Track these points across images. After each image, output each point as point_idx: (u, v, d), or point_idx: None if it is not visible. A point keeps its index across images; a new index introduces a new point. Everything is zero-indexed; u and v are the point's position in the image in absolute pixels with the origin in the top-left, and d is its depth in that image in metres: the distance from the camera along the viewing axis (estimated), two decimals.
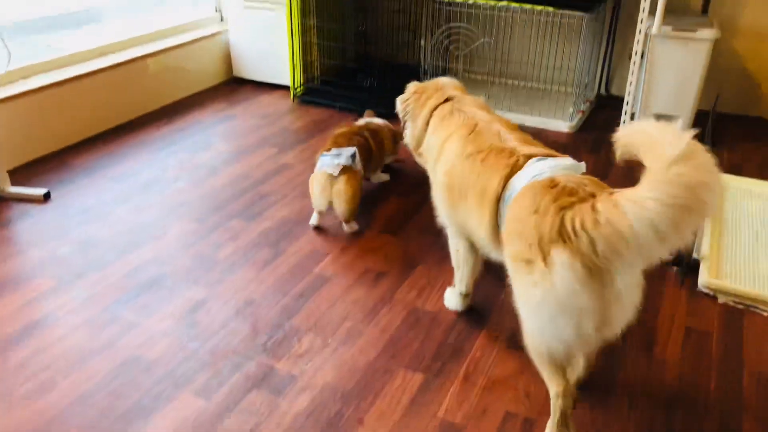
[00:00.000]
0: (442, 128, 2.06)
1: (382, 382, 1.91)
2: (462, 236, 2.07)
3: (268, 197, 2.94)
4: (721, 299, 2.28)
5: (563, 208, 1.51)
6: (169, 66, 3.98)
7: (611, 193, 1.47)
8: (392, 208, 2.86)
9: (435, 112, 2.12)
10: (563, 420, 1.65)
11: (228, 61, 4.43)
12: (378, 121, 3.10)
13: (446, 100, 2.14)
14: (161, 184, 3.04)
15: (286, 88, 4.26)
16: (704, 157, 1.32)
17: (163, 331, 2.11)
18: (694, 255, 2.44)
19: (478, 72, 4.39)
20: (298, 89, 4.12)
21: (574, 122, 3.71)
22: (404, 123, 2.29)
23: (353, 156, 2.65)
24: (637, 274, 1.54)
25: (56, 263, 2.44)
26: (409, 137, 2.27)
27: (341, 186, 2.56)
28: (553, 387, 1.64)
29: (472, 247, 2.08)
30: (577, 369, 1.83)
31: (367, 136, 2.87)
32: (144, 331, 2.10)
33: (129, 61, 3.71)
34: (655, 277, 2.40)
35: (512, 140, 1.87)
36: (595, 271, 1.44)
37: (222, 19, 4.47)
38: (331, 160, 2.61)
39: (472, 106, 2.09)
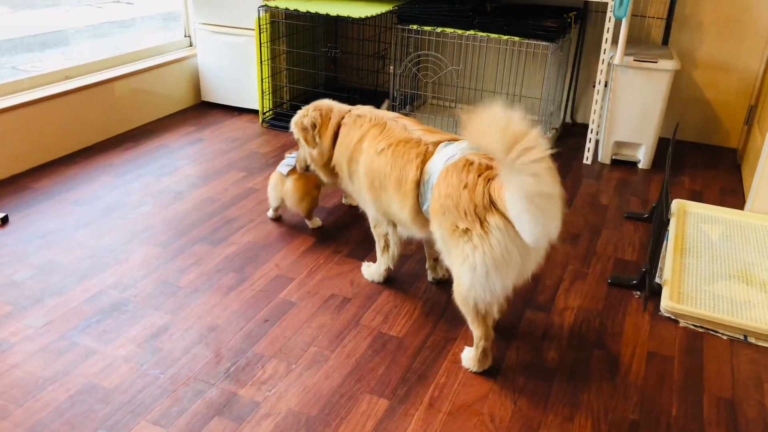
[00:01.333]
0: (352, 133, 2.30)
1: (347, 408, 1.89)
2: (388, 222, 2.35)
3: (235, 222, 2.92)
4: (682, 323, 2.31)
5: (489, 180, 1.82)
6: (137, 89, 3.96)
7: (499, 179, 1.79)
8: (359, 234, 2.86)
9: (342, 122, 2.37)
10: (484, 354, 2.03)
11: (197, 85, 4.41)
12: None
13: (345, 114, 2.39)
14: (125, 209, 2.99)
15: (254, 112, 4.26)
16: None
17: (122, 357, 2.05)
18: (657, 279, 2.48)
19: (446, 99, 4.44)
20: (267, 114, 4.12)
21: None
22: (307, 140, 2.44)
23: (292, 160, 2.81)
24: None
25: (13, 288, 2.38)
26: (315, 155, 2.45)
27: (290, 185, 2.76)
28: (477, 331, 2.00)
29: (395, 229, 2.37)
30: (493, 315, 2.11)
31: None
32: (103, 358, 2.05)
33: (94, 84, 3.67)
34: (618, 301, 2.43)
35: (418, 131, 2.15)
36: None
37: (191, 44, 4.46)
38: (287, 161, 2.81)
39: (373, 112, 2.34)
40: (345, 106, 2.45)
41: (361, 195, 2.34)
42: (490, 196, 1.80)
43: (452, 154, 1.98)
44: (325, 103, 2.49)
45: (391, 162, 2.12)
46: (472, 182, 1.85)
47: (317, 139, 2.42)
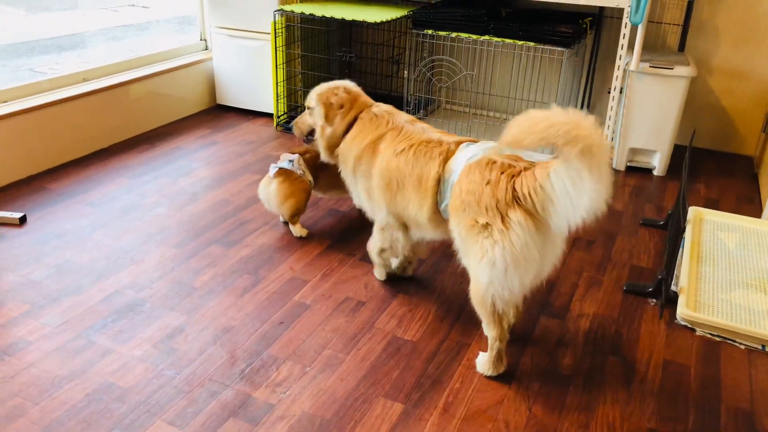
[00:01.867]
0: (366, 132, 2.30)
1: (362, 411, 1.89)
2: (399, 226, 2.31)
3: (249, 224, 2.92)
4: (699, 332, 2.29)
5: (512, 177, 1.84)
6: (152, 92, 3.98)
7: (544, 164, 1.79)
8: None
9: (360, 116, 2.36)
10: (498, 356, 2.02)
11: (212, 88, 4.44)
12: None
13: (368, 108, 2.39)
14: (140, 210, 3.01)
15: (269, 116, 4.28)
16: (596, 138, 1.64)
17: (138, 357, 2.06)
18: (673, 287, 2.46)
19: (460, 104, 4.44)
20: (282, 117, 4.13)
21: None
22: (328, 116, 2.41)
23: (292, 161, 2.81)
24: (562, 233, 1.84)
25: (30, 288, 2.40)
26: (326, 135, 2.43)
27: (274, 186, 2.76)
28: (493, 332, 1.99)
29: (406, 233, 2.34)
30: (509, 318, 2.07)
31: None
32: (119, 358, 2.06)
33: (111, 87, 3.70)
34: (634, 309, 2.41)
35: (436, 134, 2.19)
36: (539, 227, 1.80)
37: (207, 47, 4.49)
38: (279, 163, 2.84)
39: (392, 114, 2.34)
40: (368, 99, 2.44)
41: (373, 196, 2.32)
42: (513, 191, 1.82)
43: (474, 153, 2.01)
44: (354, 87, 2.46)
45: (412, 161, 2.13)
46: (495, 179, 1.87)
47: (336, 121, 2.40)
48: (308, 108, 2.53)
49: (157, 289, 2.42)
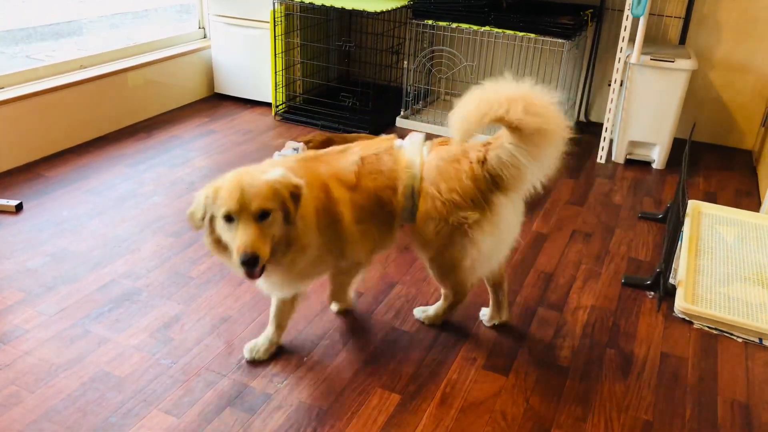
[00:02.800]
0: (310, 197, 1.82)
1: (359, 401, 1.88)
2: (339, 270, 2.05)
3: None
4: (696, 325, 2.29)
5: (483, 162, 1.89)
6: (150, 80, 3.96)
7: (490, 143, 1.92)
8: None
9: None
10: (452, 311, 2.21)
11: (210, 77, 4.41)
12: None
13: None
14: (137, 199, 2.99)
15: (267, 105, 4.25)
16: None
17: (134, 346, 2.06)
18: (671, 280, 2.46)
19: (459, 95, 4.41)
20: (280, 107, 4.11)
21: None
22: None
23: (296, 149, 2.82)
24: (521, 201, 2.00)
25: (26, 275, 2.38)
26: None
27: None
28: (462, 297, 2.14)
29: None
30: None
31: (336, 141, 2.90)
32: (115, 347, 2.05)
33: (108, 74, 3.67)
34: (632, 301, 2.41)
35: (358, 151, 1.98)
36: (515, 201, 1.95)
37: (205, 36, 4.46)
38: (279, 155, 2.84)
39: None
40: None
41: (344, 240, 1.90)
42: (490, 175, 1.88)
43: (418, 149, 1.99)
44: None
45: (370, 188, 1.90)
46: (470, 170, 1.89)
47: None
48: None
49: (154, 278, 2.41)
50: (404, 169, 1.94)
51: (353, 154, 1.95)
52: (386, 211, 1.94)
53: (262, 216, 1.64)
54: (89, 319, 2.17)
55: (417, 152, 1.98)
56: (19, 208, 2.83)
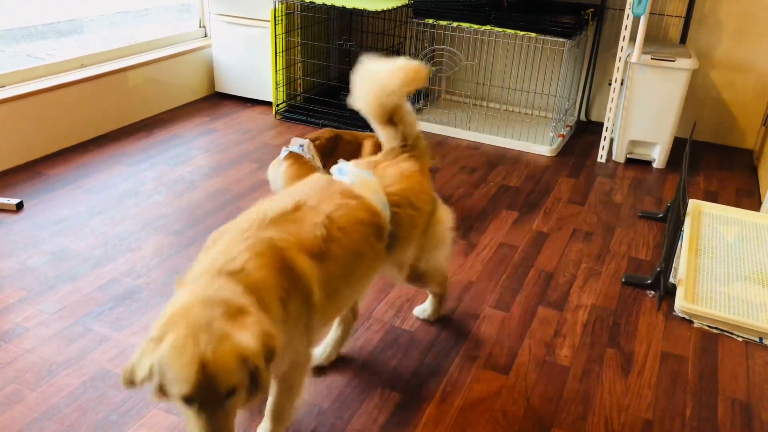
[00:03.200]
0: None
1: (359, 400, 1.89)
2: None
3: None
4: (696, 324, 2.29)
5: (413, 157, 1.92)
6: (151, 79, 3.96)
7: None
8: None
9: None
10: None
11: (211, 76, 4.41)
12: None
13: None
14: (138, 197, 3.00)
15: (268, 104, 4.26)
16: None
17: (135, 345, 2.06)
18: (671, 279, 2.46)
19: (460, 94, 4.42)
20: (281, 106, 4.11)
21: (555, 146, 3.75)
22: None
23: (302, 146, 2.79)
24: None
25: (27, 274, 2.39)
26: None
27: (283, 169, 2.72)
28: (446, 286, 2.24)
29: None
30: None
31: (345, 138, 2.89)
32: (116, 345, 2.05)
33: (109, 73, 3.67)
34: (632, 300, 2.41)
35: (316, 206, 1.60)
36: None
37: (206, 35, 4.46)
38: (290, 147, 2.80)
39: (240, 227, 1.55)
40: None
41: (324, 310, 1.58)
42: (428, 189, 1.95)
43: (358, 171, 1.77)
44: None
45: (352, 240, 1.61)
46: (413, 169, 1.89)
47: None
48: None
49: (155, 276, 2.42)
50: (375, 202, 1.68)
51: (316, 213, 1.57)
52: (367, 263, 1.67)
53: (228, 394, 1.23)
54: (90, 317, 2.18)
55: (363, 175, 1.73)
56: (19, 206, 2.83)
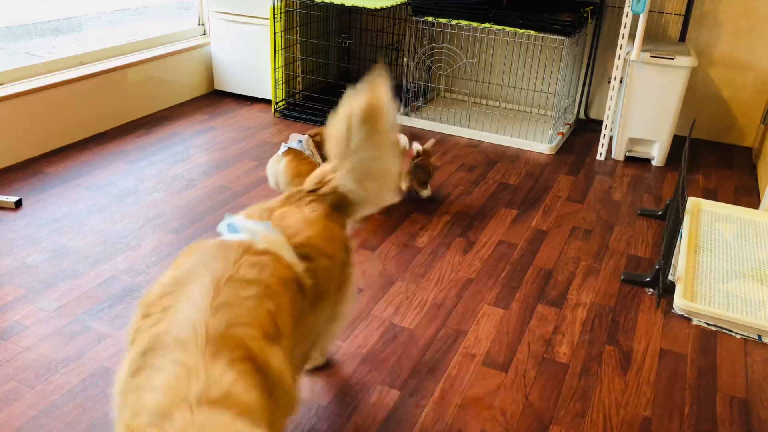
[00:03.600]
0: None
1: (358, 398, 1.89)
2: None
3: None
4: (695, 321, 2.29)
5: (329, 226, 1.66)
6: (150, 77, 3.95)
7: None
8: (371, 224, 2.85)
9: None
10: None
11: (209, 73, 4.41)
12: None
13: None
14: (137, 195, 3.00)
15: (267, 102, 4.25)
16: None
17: None
18: (670, 277, 2.46)
19: (459, 92, 4.42)
20: (280, 104, 4.11)
21: (554, 144, 3.75)
22: None
23: (301, 141, 2.82)
24: None
25: (26, 272, 2.38)
26: None
27: (283, 165, 2.77)
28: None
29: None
30: None
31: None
32: (115, 343, 2.05)
33: (108, 71, 3.67)
34: (631, 298, 2.41)
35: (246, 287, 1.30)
36: None
37: (205, 32, 4.46)
38: (289, 143, 2.84)
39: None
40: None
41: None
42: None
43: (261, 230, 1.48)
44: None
45: (324, 263, 1.52)
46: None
47: None
48: None
49: (154, 274, 2.42)
50: (286, 256, 1.44)
51: (241, 286, 1.29)
52: (302, 324, 1.45)
53: None
54: (89, 315, 2.18)
55: (259, 229, 1.47)
56: (18, 204, 2.83)
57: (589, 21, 3.86)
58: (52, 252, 2.52)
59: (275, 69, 4.01)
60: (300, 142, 2.82)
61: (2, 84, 3.25)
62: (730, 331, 2.25)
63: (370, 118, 1.63)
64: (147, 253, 2.54)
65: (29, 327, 2.10)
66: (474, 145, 3.80)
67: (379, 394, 1.90)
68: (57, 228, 2.68)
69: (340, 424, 1.79)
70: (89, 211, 2.83)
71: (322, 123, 3.94)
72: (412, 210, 2.99)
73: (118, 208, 2.87)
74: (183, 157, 3.42)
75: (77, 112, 3.53)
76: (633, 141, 3.64)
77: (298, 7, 4.00)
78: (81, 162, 3.29)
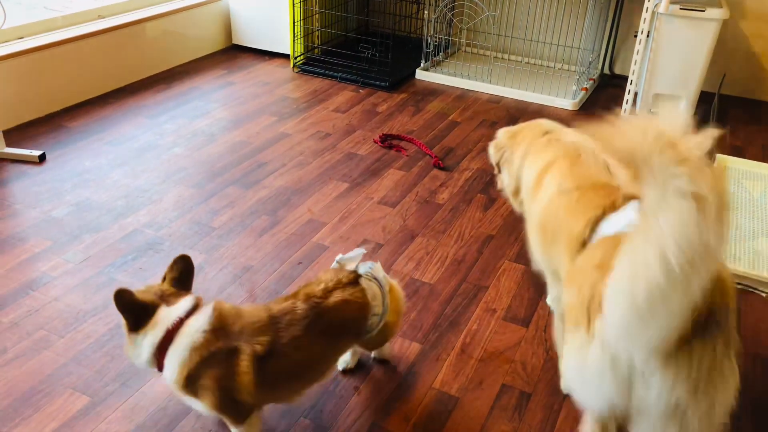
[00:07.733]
0: (539, 159, 1.73)
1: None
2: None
3: (266, 166, 2.91)
4: None
5: None
6: (168, 31, 3.92)
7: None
8: (391, 180, 2.84)
9: (532, 147, 1.80)
10: None
11: (228, 28, 4.36)
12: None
13: (544, 134, 1.81)
14: (158, 150, 3.00)
15: (286, 56, 4.21)
16: None
17: None
18: None
19: (481, 47, 4.34)
20: (299, 58, 4.06)
21: (577, 100, 3.68)
22: (498, 170, 1.95)
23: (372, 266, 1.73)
24: None
25: (51, 225, 2.41)
26: (505, 183, 1.92)
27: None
28: None
29: None
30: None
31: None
32: None
33: (127, 25, 3.64)
34: None
35: (621, 174, 1.49)
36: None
37: None
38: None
39: (574, 136, 1.75)
40: (546, 125, 1.86)
41: (531, 242, 1.73)
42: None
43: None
44: (527, 125, 1.92)
45: (573, 208, 1.50)
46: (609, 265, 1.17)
47: (503, 167, 1.91)
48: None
49: (176, 228, 2.44)
50: (604, 219, 1.44)
51: (611, 173, 1.54)
52: (570, 246, 1.51)
53: None
54: (114, 267, 2.21)
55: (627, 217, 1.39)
56: (42, 158, 2.85)
57: None
58: (76, 205, 2.54)
59: (294, 23, 3.95)
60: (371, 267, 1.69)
61: (22, 38, 3.24)
62: (756, 289, 2.23)
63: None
64: (169, 207, 2.56)
65: (57, 278, 2.14)
66: (495, 100, 3.74)
67: (400, 348, 1.92)
68: (80, 182, 2.70)
69: (361, 376, 1.82)
70: (111, 166, 2.84)
71: (341, 78, 3.89)
72: (433, 167, 2.97)
73: (139, 162, 2.88)
74: (202, 112, 3.41)
75: (97, 66, 3.51)
76: (658, 97, 3.56)
77: None
78: (102, 116, 3.30)
